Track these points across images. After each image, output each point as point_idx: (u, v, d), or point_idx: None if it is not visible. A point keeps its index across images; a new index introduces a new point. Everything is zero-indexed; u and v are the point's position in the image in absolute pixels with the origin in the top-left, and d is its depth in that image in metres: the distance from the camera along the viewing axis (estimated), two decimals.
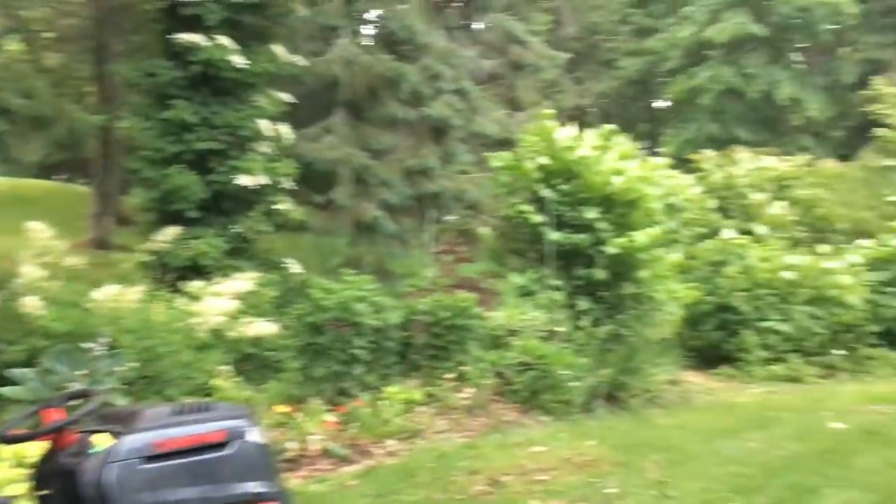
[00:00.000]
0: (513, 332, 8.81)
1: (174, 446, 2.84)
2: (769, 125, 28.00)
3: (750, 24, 26.41)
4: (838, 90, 29.08)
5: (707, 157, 15.35)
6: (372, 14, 17.52)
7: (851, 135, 29.81)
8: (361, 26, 17.77)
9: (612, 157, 10.05)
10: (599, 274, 9.69)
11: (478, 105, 17.69)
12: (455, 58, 16.66)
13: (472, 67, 17.91)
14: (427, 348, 8.11)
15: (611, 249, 9.54)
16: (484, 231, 11.66)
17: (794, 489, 5.62)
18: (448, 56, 16.42)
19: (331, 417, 6.75)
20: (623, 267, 9.88)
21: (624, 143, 10.39)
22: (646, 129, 36.74)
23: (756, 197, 13.98)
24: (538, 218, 9.71)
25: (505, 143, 15.64)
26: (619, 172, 9.80)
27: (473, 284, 12.74)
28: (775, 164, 15.06)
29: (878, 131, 17.35)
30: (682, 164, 15.47)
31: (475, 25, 19.93)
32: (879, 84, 18.36)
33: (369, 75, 15.43)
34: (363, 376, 7.51)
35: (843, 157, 21.55)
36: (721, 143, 20.14)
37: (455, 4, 19.37)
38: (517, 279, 9.66)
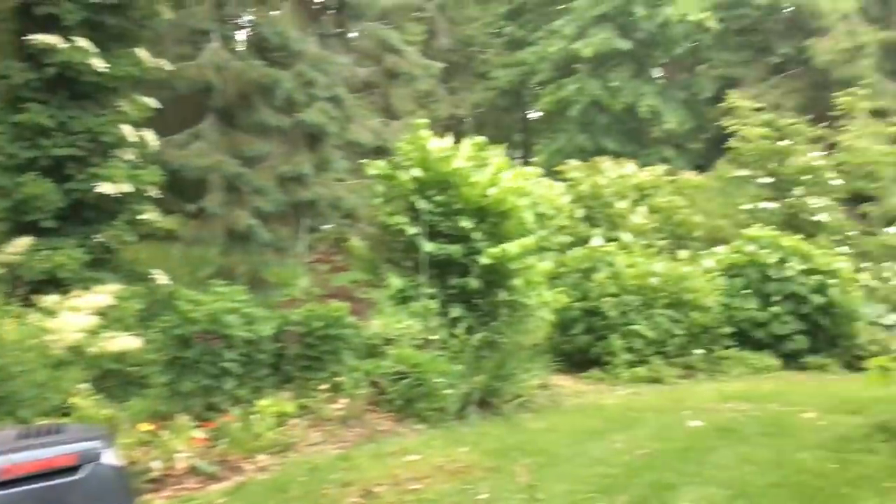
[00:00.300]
0: (388, 341, 8.82)
1: (20, 472, 2.69)
2: (634, 136, 29.25)
3: (615, 39, 27.53)
4: (696, 104, 30.76)
5: (575, 166, 15.88)
6: (244, 19, 17.15)
7: (708, 147, 31.57)
8: (233, 31, 17.36)
9: (486, 169, 10.23)
10: (473, 283, 9.85)
11: (353, 113, 17.63)
12: (329, 65, 16.55)
13: (347, 75, 17.84)
14: (300, 359, 8.01)
15: (484, 260, 9.71)
16: (357, 240, 11.62)
17: (655, 487, 5.88)
18: (322, 63, 16.29)
19: (199, 434, 6.54)
20: (496, 275, 10.06)
21: (498, 153, 10.60)
22: (519, 139, 37.68)
23: (620, 205, 14.57)
24: (413, 229, 9.77)
25: (381, 152, 15.66)
26: (493, 183, 9.99)
27: (348, 294, 12.67)
28: (637, 173, 15.75)
29: (732, 143, 18.45)
30: (554, 173, 15.92)
31: (350, 34, 19.87)
32: (733, 98, 19.53)
33: (241, 81, 15.09)
34: (234, 390, 7.32)
35: (701, 168, 22.74)
36: (590, 154, 20.85)
37: (329, 12, 19.24)
38: (396, 283, 9.69)
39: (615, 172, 15.15)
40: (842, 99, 20.14)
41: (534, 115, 35.87)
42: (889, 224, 16.69)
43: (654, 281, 11.91)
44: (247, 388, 7.42)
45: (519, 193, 10.29)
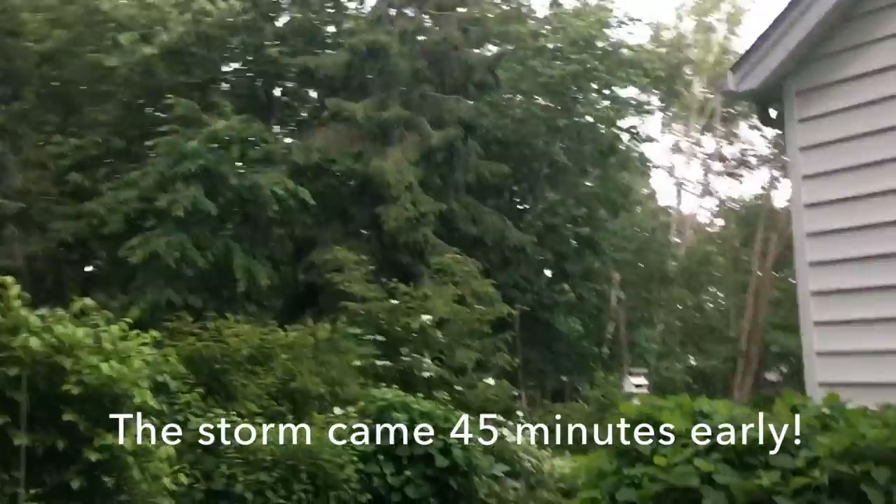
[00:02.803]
0: None
1: None
2: (217, 293, 28.18)
3: (202, 198, 26.48)
4: (276, 262, 31.17)
5: (181, 326, 14.21)
6: None
7: (290, 303, 32.04)
8: None
9: (91, 339, 8.52)
10: (77, 481, 8.12)
11: None
12: None
13: None
14: None
15: (93, 456, 8.09)
16: None
17: None
18: None
19: None
20: (106, 468, 8.37)
21: (108, 320, 8.98)
22: (80, 293, 33.90)
23: (236, 377, 13.26)
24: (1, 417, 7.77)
25: None
26: (105, 360, 8.33)
27: None
28: (250, 332, 14.63)
29: (345, 302, 18.37)
30: (144, 330, 14.04)
31: None
32: (339, 254, 19.73)
33: None
34: None
35: (285, 324, 22.25)
36: (178, 310, 19.16)
37: None
38: None
39: (228, 332, 13.93)
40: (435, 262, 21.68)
41: (105, 267, 32.84)
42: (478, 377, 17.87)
43: (287, 453, 10.94)
44: None
45: (133, 368, 8.74)
